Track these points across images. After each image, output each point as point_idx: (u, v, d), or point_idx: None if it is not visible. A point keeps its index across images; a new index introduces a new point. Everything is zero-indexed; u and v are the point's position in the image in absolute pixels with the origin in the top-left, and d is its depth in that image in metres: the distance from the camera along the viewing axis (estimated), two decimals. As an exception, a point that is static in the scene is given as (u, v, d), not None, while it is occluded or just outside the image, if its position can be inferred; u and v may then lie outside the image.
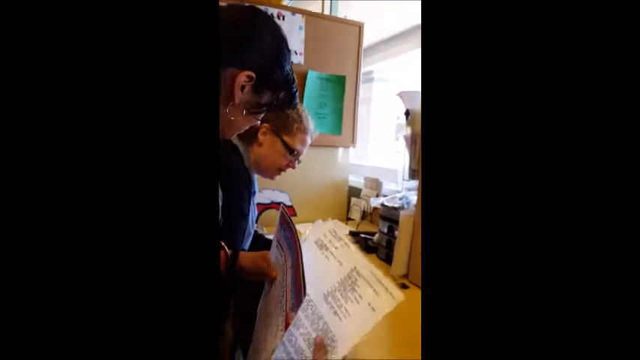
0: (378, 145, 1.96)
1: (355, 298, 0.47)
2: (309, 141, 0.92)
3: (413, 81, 1.52)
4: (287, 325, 0.48)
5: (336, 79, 1.42)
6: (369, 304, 0.44)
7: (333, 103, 1.43)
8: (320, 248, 0.54)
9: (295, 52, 1.33)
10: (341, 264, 0.54)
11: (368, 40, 1.63)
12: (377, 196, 1.35)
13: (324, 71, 1.39)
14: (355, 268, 0.52)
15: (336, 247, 0.58)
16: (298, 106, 0.90)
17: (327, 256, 0.54)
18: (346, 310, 0.45)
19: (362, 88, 1.81)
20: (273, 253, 0.62)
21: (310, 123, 0.91)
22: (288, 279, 0.54)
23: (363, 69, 1.76)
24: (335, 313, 0.46)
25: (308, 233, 0.57)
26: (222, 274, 0.62)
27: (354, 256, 0.55)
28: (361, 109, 1.63)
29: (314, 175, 1.45)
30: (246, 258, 0.64)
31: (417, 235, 0.86)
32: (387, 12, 1.60)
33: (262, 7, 1.24)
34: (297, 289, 0.50)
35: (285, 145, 0.86)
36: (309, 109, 1.35)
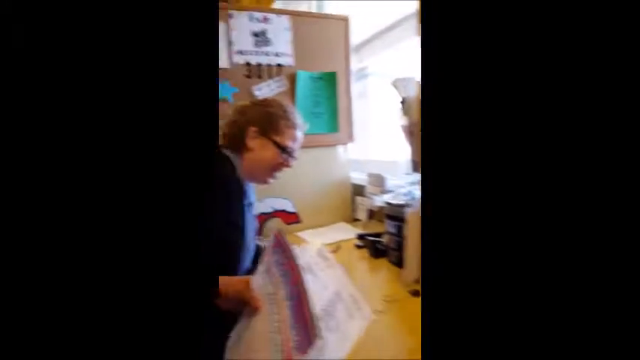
0: (381, 139, 1.91)
1: (334, 325, 0.47)
2: (299, 136, 0.86)
3: (407, 71, 1.46)
4: None
5: (327, 76, 1.36)
6: (343, 332, 0.45)
7: (327, 100, 1.37)
8: (306, 273, 0.51)
9: (284, 53, 1.28)
10: (326, 288, 0.52)
11: (359, 36, 1.58)
12: (382, 192, 1.30)
13: (314, 69, 1.34)
14: (338, 291, 0.53)
15: (322, 270, 0.55)
16: (281, 102, 0.85)
17: (312, 280, 0.52)
18: (327, 340, 0.44)
19: (358, 83, 1.75)
20: (258, 280, 0.53)
21: (298, 117, 0.86)
22: (284, 313, 0.46)
23: (358, 65, 1.70)
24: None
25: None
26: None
27: (339, 278, 0.56)
28: (360, 104, 1.58)
29: (314, 177, 1.40)
30: (226, 283, 0.54)
31: (427, 233, 0.80)
32: (374, 6, 1.54)
33: (247, 13, 1.21)
34: (301, 327, 0.43)
35: (276, 144, 0.81)
36: (303, 109, 1.31)
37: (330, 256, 0.57)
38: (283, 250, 0.52)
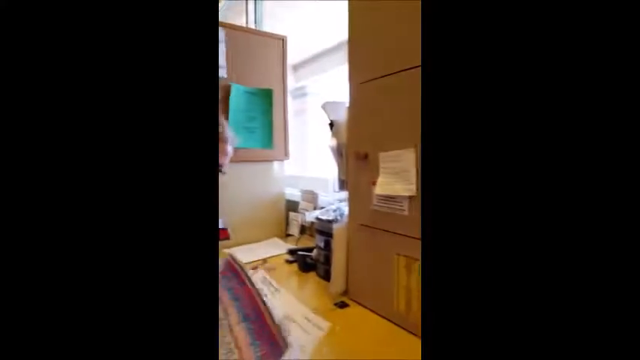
0: (317, 156, 1.97)
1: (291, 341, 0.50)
2: (229, 150, 0.83)
3: (339, 94, 1.55)
4: None
5: (264, 92, 1.37)
6: (301, 346, 0.48)
7: (262, 116, 1.37)
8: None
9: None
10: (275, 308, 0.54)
11: (299, 56, 1.63)
12: (314, 208, 1.32)
13: (249, 85, 1.34)
14: (288, 315, 0.54)
15: (266, 295, 0.57)
16: None
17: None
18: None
19: (296, 102, 1.79)
20: None
21: (228, 130, 0.83)
22: (240, 334, 0.48)
23: (297, 84, 1.74)
24: None
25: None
26: None
27: (288, 303, 0.57)
28: (297, 122, 1.61)
29: (248, 192, 1.38)
30: None
31: (353, 248, 0.83)
32: (314, 29, 1.61)
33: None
34: (265, 341, 0.45)
35: None
36: (236, 123, 1.29)
37: (273, 280, 0.60)
38: (236, 274, 0.53)
